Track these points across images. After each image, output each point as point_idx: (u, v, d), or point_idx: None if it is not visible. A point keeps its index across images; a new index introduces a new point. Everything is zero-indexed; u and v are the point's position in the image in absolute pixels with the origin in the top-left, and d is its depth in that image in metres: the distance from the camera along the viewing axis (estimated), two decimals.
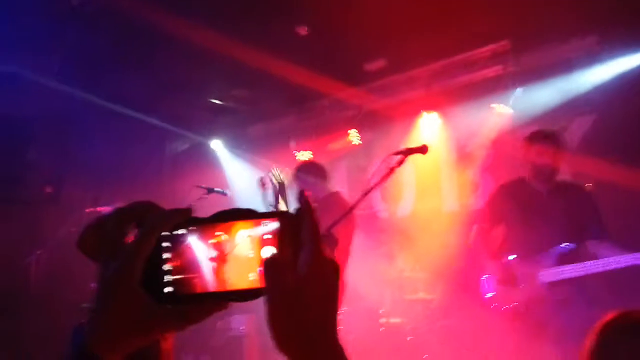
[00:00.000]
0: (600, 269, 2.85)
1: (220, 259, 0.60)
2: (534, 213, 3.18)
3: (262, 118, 6.83)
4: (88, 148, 5.84)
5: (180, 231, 0.60)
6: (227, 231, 0.61)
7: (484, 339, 3.89)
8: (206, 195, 4.33)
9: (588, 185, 4.46)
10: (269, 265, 0.58)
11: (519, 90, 4.77)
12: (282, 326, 0.56)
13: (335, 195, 3.92)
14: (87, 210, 5.47)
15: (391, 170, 2.66)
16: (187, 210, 0.62)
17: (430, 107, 5.36)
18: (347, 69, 5.29)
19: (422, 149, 2.70)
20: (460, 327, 4.42)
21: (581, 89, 4.40)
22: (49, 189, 6.42)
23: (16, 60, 4.60)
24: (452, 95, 5.15)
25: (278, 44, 4.67)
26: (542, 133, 3.28)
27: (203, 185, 4.42)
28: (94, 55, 4.73)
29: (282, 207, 3.88)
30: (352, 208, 2.71)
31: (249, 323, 5.26)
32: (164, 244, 0.60)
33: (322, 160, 6.49)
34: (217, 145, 7.12)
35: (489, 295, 3.23)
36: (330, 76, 5.37)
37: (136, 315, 0.57)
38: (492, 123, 4.91)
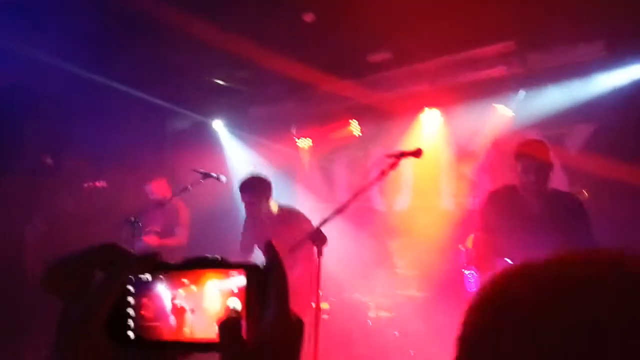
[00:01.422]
0: None
1: (186, 308, 0.60)
2: (522, 223, 3.23)
3: (264, 101, 6.80)
4: (89, 122, 5.84)
5: (147, 276, 0.60)
6: (195, 280, 0.60)
7: None
8: (202, 180, 4.33)
9: (583, 192, 4.46)
10: (226, 323, 0.56)
11: (522, 93, 4.72)
12: None
13: (295, 211, 3.92)
14: (85, 184, 5.53)
15: (383, 173, 2.66)
16: (155, 255, 0.61)
17: (433, 104, 5.32)
18: (351, 59, 5.24)
19: (416, 153, 2.70)
20: (448, 325, 4.45)
21: (585, 96, 4.36)
22: (48, 160, 6.46)
23: (17, 35, 4.57)
24: (455, 92, 5.10)
25: (283, 30, 4.63)
26: (527, 152, 3.26)
27: (200, 170, 4.42)
28: (95, 32, 4.69)
29: None
30: (342, 208, 2.71)
31: None
32: (131, 288, 0.60)
33: (322, 150, 6.52)
34: (218, 125, 7.10)
35: (473, 290, 3.34)
36: (334, 65, 5.33)
37: (99, 358, 0.57)
38: (494, 124, 4.88)
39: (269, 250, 0.59)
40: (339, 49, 4.96)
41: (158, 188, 5.42)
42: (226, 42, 4.67)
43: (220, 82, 6.51)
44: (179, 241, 5.17)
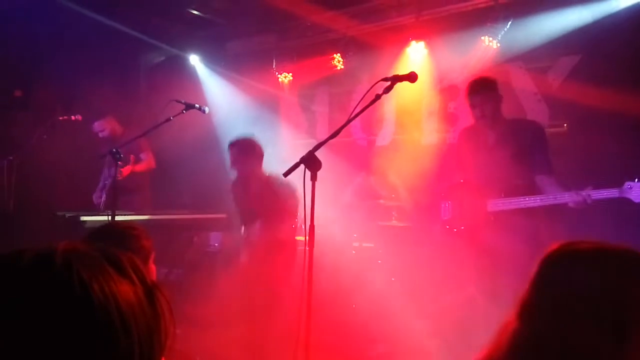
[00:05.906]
0: (539, 203, 3.15)
1: None
2: (484, 156, 3.40)
3: (243, 35, 6.57)
4: (60, 55, 5.58)
5: None
6: None
7: (445, 264, 4.12)
8: (184, 111, 4.19)
9: (562, 126, 4.55)
10: None
11: (507, 25, 4.67)
12: None
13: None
14: (59, 117, 5.33)
15: (377, 97, 2.64)
16: None
17: (418, 37, 5.23)
18: None
19: (411, 77, 2.67)
20: (429, 254, 4.61)
21: (571, 25, 4.32)
22: (18, 93, 6.18)
23: None
24: (441, 24, 5.03)
25: None
26: (470, 89, 3.42)
27: (181, 100, 4.26)
28: None
29: None
30: (336, 133, 2.69)
31: (225, 240, 5.38)
32: None
33: (303, 85, 6.40)
34: (194, 60, 6.86)
35: (446, 217, 3.63)
36: None
37: None
38: (478, 56, 4.85)
39: None
40: None
41: (104, 126, 5.51)
42: None
43: (196, 13, 6.25)
44: (147, 165, 5.48)
